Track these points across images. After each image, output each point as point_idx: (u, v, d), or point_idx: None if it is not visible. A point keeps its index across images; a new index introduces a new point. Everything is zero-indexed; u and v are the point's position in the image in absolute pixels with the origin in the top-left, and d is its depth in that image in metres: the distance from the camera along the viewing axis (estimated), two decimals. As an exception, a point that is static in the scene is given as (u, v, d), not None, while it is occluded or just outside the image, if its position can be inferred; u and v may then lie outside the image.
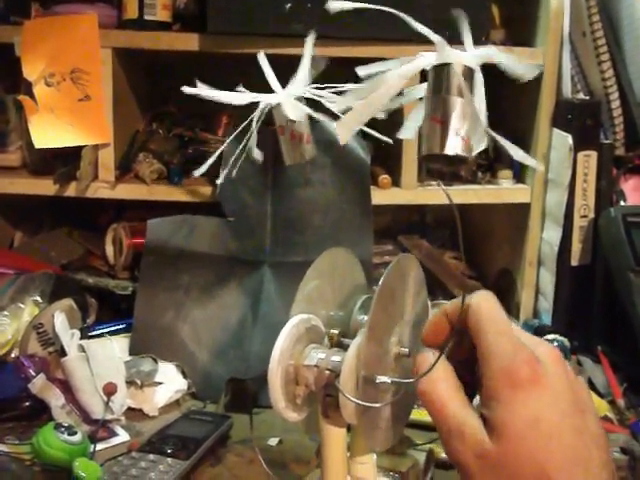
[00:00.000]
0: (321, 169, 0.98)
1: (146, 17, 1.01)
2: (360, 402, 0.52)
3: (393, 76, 0.51)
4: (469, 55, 0.50)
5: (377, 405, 0.55)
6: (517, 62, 0.53)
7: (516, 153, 0.58)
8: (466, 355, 0.47)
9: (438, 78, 0.48)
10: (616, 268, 1.01)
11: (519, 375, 0.40)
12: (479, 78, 0.50)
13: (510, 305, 1.19)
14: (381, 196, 1.04)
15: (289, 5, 0.97)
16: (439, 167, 0.48)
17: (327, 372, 0.57)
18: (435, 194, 1.08)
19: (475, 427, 0.42)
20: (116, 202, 1.11)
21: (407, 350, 0.62)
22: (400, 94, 0.56)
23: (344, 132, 0.53)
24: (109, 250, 1.12)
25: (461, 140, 0.46)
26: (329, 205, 0.99)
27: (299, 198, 0.99)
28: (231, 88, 0.88)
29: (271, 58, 1.00)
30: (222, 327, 0.98)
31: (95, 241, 1.18)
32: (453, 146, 0.46)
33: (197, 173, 0.87)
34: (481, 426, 0.42)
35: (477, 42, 1.09)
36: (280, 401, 0.57)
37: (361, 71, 0.56)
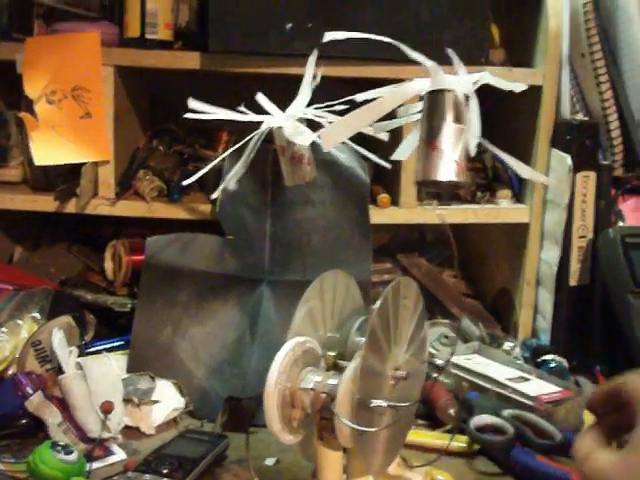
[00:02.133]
0: (321, 188, 0.98)
1: (148, 36, 1.01)
2: (355, 426, 0.52)
3: (386, 98, 0.52)
4: (463, 80, 0.51)
5: (372, 430, 0.55)
6: (508, 83, 0.53)
7: (522, 170, 0.58)
8: (617, 423, 0.52)
9: (432, 103, 0.49)
10: (614, 289, 1.01)
11: None
12: (474, 103, 0.51)
13: (508, 324, 1.19)
14: (380, 215, 1.04)
15: (290, 25, 0.97)
16: (434, 191, 0.48)
17: (323, 395, 0.57)
18: (434, 213, 1.08)
19: None
20: (116, 218, 1.11)
21: (404, 373, 0.62)
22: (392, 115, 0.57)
23: (328, 141, 0.53)
24: (108, 266, 1.12)
25: (455, 166, 0.47)
26: (328, 224, 0.99)
27: (298, 217, 1.00)
28: (233, 105, 0.89)
29: (273, 77, 1.01)
30: (220, 345, 0.98)
31: (94, 257, 1.18)
32: (447, 172, 0.46)
33: (185, 183, 0.88)
34: None
35: (476, 63, 1.10)
36: (276, 424, 0.57)
37: (359, 97, 0.57)
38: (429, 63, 0.51)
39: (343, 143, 0.83)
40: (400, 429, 0.65)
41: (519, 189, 1.15)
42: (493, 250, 1.26)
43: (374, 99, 0.56)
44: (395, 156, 0.57)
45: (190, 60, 1.01)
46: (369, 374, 0.56)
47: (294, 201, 0.99)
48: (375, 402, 0.56)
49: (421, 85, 0.51)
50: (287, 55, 0.97)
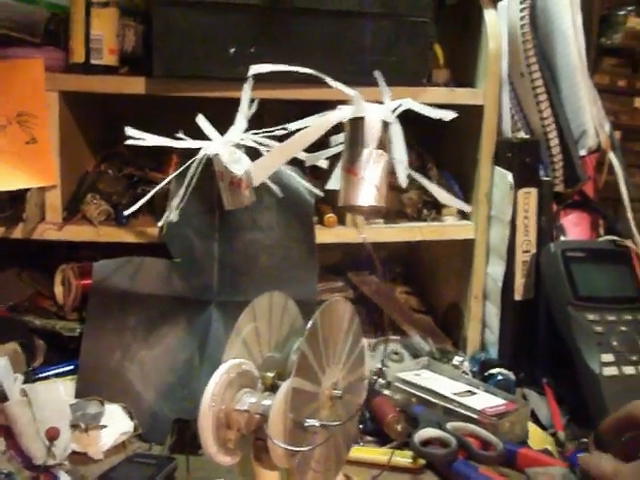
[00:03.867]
0: (267, 210, 0.99)
1: (93, 61, 1.02)
2: (285, 446, 0.53)
3: (310, 128, 0.53)
4: (382, 108, 0.52)
5: (304, 449, 0.56)
6: (432, 110, 0.55)
7: (442, 196, 0.60)
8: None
9: (353, 131, 0.50)
10: (556, 302, 1.04)
11: None
12: (396, 129, 0.53)
13: (458, 339, 1.21)
14: (327, 235, 1.06)
15: (233, 49, 0.99)
16: (357, 215, 0.50)
17: (257, 416, 0.58)
18: (381, 232, 1.10)
19: None
20: (67, 242, 1.11)
21: (339, 392, 0.63)
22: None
23: (259, 174, 0.54)
24: (58, 291, 1.12)
25: (375, 191, 0.48)
26: (275, 245, 1.01)
27: (246, 238, 1.01)
28: (184, 126, 0.90)
29: (217, 101, 1.02)
30: (169, 367, 0.99)
31: (45, 282, 1.17)
32: (367, 198, 0.47)
33: (127, 212, 0.89)
34: None
35: (419, 84, 1.13)
36: (211, 446, 0.58)
37: (291, 126, 0.58)
38: (350, 92, 0.53)
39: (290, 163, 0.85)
40: (338, 446, 0.66)
41: (464, 206, 1.17)
42: (442, 266, 1.28)
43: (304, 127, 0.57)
44: (329, 185, 0.59)
45: (135, 85, 1.02)
46: (302, 395, 0.57)
47: (241, 223, 1.00)
48: (309, 422, 0.57)
49: (343, 113, 0.52)
50: (231, 79, 0.99)
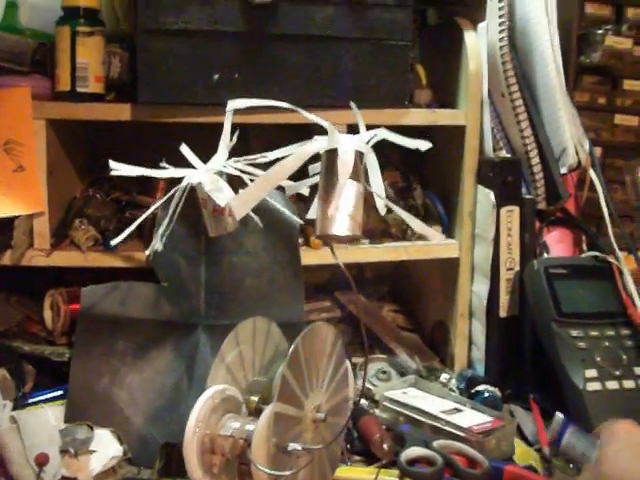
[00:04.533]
0: (252, 234, 1.00)
1: (79, 89, 1.03)
2: (268, 471, 0.54)
3: (288, 159, 0.55)
4: (356, 139, 0.54)
5: (286, 473, 0.57)
6: (407, 140, 0.56)
7: (415, 225, 0.62)
8: None
9: (328, 162, 0.52)
10: (539, 319, 1.05)
11: None
12: (371, 159, 0.54)
13: (445, 357, 1.22)
14: (313, 256, 1.07)
15: (217, 75, 1.01)
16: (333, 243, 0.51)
17: (241, 441, 0.59)
18: (366, 252, 1.11)
19: None
20: (56, 267, 1.12)
21: (323, 415, 0.64)
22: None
23: (240, 208, 0.56)
24: (47, 316, 1.13)
25: (349, 220, 0.50)
26: (261, 268, 1.02)
27: (232, 262, 1.02)
28: (169, 151, 0.92)
29: (202, 126, 1.03)
30: (158, 391, 0.99)
31: (34, 307, 1.18)
32: (341, 227, 0.49)
33: (115, 242, 0.90)
34: None
35: (400, 105, 1.15)
36: (196, 471, 0.59)
37: (271, 155, 0.60)
38: (325, 123, 0.54)
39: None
40: (323, 468, 0.67)
41: (448, 225, 1.19)
42: (428, 284, 1.30)
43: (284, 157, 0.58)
44: (309, 214, 0.60)
45: (121, 112, 1.03)
46: (284, 419, 0.58)
47: (227, 247, 1.01)
48: (292, 446, 0.58)
49: (319, 144, 0.54)
50: (215, 105, 1.00)
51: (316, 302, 1.22)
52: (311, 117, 0.56)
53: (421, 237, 1.18)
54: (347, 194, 0.50)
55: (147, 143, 1.16)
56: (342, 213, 0.50)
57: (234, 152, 0.91)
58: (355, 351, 1.19)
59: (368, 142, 0.53)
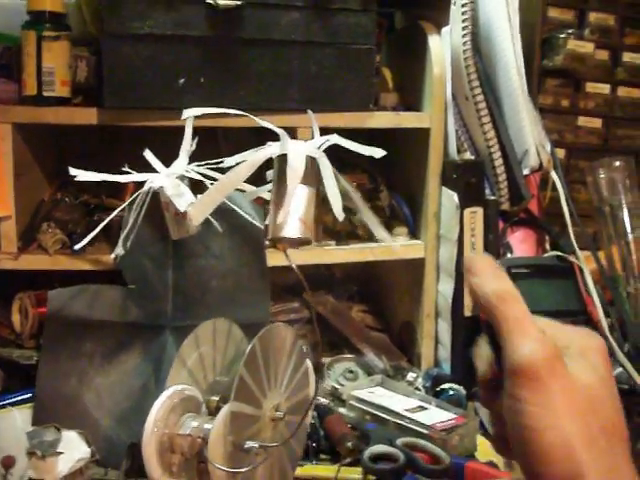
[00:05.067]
0: (219, 237, 1.01)
1: (45, 93, 1.03)
2: (223, 468, 0.56)
3: (242, 165, 0.56)
4: (307, 144, 0.55)
5: (241, 470, 0.58)
6: (359, 147, 0.58)
7: (378, 232, 0.63)
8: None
9: (280, 167, 0.53)
10: (502, 318, 1.07)
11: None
12: (324, 163, 0.55)
13: (412, 355, 1.24)
14: (279, 258, 1.07)
15: (182, 80, 1.02)
16: (285, 246, 0.53)
17: (199, 440, 0.60)
18: (333, 253, 1.13)
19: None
20: (26, 271, 1.12)
21: (282, 414, 0.66)
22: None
23: (198, 215, 0.57)
24: (16, 319, 1.13)
25: (300, 223, 0.51)
26: (226, 270, 1.03)
27: (198, 265, 1.03)
28: (136, 155, 0.92)
29: (168, 129, 1.04)
30: (125, 393, 1.00)
31: (2, 310, 1.18)
32: (292, 230, 0.50)
33: (78, 246, 0.90)
34: None
35: (365, 109, 1.16)
36: (155, 470, 0.60)
37: (228, 161, 0.61)
38: (276, 129, 0.55)
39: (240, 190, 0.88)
40: (283, 466, 0.68)
41: (414, 226, 1.21)
42: (396, 285, 1.31)
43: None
44: (266, 220, 0.61)
45: (87, 116, 1.04)
46: (241, 418, 0.60)
47: (194, 250, 1.02)
48: (249, 444, 0.59)
49: (272, 150, 0.55)
50: (181, 109, 1.01)
51: (285, 303, 1.24)
52: (262, 123, 0.57)
53: (387, 238, 1.20)
54: (298, 198, 0.52)
55: (116, 146, 1.16)
56: (293, 217, 0.51)
57: (204, 156, 0.92)
58: (323, 351, 1.21)
59: (320, 147, 0.55)
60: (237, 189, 0.65)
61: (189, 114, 0.61)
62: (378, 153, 0.60)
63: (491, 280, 0.45)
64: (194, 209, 0.57)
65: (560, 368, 0.41)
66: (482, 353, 0.48)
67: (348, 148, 0.57)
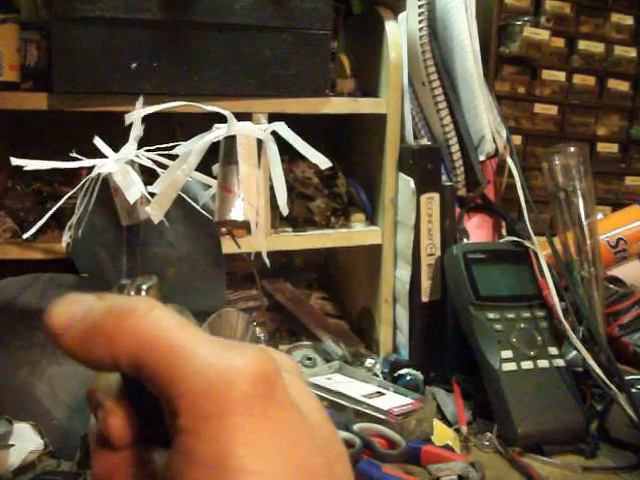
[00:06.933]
0: (173, 223, 1.00)
1: (-8, 78, 1.01)
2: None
3: (193, 150, 0.55)
4: (255, 127, 0.54)
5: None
6: (295, 139, 0.57)
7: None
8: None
9: (227, 149, 0.52)
10: (458, 302, 1.08)
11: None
12: (271, 147, 0.55)
13: (371, 342, 1.24)
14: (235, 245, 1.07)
15: (135, 64, 1.00)
16: (230, 229, 0.52)
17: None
18: (289, 240, 1.12)
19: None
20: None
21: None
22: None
23: (156, 212, 0.56)
24: (-34, 310, 1.10)
25: (247, 205, 0.50)
26: (181, 258, 1.02)
27: (153, 252, 1.01)
28: (88, 140, 0.90)
29: (121, 114, 1.03)
30: (80, 382, 0.98)
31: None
32: (237, 212, 0.49)
33: (26, 235, 0.88)
34: None
35: (321, 94, 1.15)
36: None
37: (179, 149, 0.60)
38: (223, 111, 0.55)
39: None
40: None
41: (372, 212, 1.21)
42: (355, 271, 1.31)
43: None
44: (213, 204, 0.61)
45: (36, 101, 1.02)
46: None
47: (148, 237, 1.01)
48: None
49: (219, 132, 0.54)
50: (133, 94, 0.99)
51: (243, 290, 1.23)
52: (208, 108, 0.56)
53: (344, 225, 1.20)
54: (244, 180, 0.51)
55: (68, 132, 1.14)
56: (239, 199, 0.50)
57: (160, 140, 0.91)
58: (282, 338, 1.21)
59: (265, 131, 0.54)
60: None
61: (131, 119, 0.60)
62: (324, 164, 0.59)
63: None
64: (151, 209, 0.56)
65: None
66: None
67: (294, 137, 0.56)
